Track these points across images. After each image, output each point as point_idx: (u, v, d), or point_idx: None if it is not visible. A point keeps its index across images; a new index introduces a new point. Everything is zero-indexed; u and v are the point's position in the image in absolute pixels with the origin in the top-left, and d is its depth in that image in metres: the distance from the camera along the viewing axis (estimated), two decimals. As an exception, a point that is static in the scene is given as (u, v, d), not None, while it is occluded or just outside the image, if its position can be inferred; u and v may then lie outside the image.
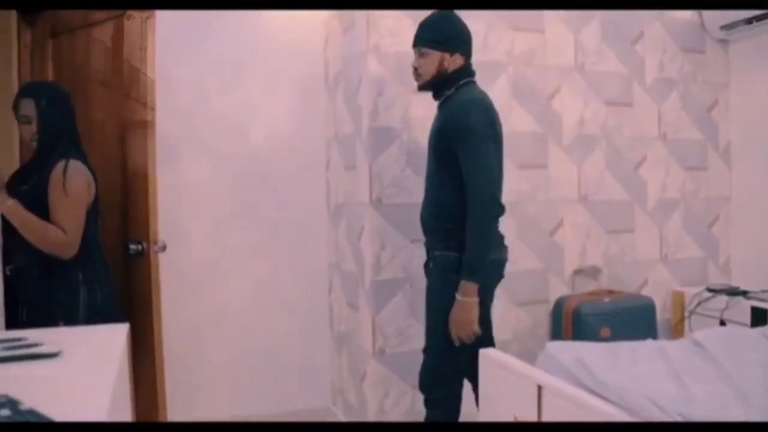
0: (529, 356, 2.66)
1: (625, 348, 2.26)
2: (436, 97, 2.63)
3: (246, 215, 3.71)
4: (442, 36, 2.53)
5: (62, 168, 2.30)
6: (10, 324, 2.32)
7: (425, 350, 2.62)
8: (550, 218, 3.56)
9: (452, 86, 2.54)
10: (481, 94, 2.54)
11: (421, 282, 3.22)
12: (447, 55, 2.52)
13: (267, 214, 3.76)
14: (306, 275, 3.84)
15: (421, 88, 2.63)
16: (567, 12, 3.57)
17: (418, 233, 3.22)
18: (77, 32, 3.06)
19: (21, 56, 3.21)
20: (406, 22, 3.20)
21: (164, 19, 2.81)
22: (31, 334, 1.60)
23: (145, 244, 2.70)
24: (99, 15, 2.93)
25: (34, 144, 2.39)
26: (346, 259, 3.51)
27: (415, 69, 2.60)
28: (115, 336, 1.69)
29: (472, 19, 3.31)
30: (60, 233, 2.27)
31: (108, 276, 2.49)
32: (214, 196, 3.65)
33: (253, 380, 3.71)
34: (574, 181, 3.61)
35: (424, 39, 2.56)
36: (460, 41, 2.55)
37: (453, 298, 2.40)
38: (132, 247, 2.69)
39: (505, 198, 3.36)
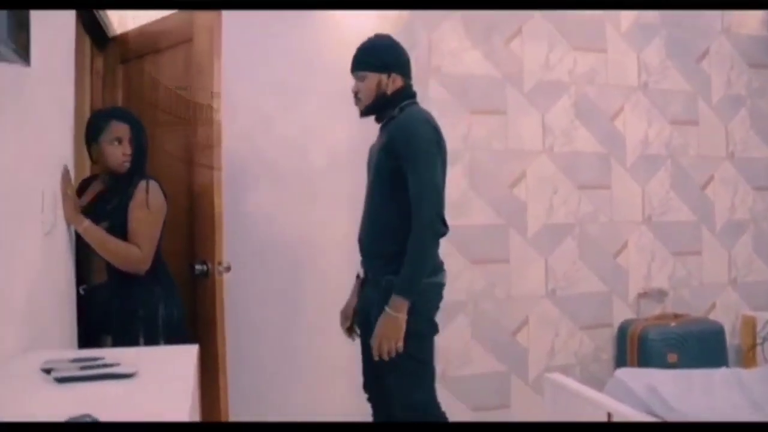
0: (593, 382, 2.61)
1: (698, 376, 2.18)
2: (378, 119, 2.57)
3: (309, 235, 3.73)
4: (378, 58, 2.50)
5: (145, 186, 2.37)
6: (82, 342, 2.40)
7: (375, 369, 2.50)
8: (614, 240, 3.49)
9: (394, 107, 2.48)
10: (426, 114, 2.47)
11: (484, 304, 3.21)
12: (384, 77, 2.47)
13: (330, 233, 3.77)
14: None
15: (363, 112, 2.57)
16: (628, 30, 3.52)
17: (480, 255, 3.22)
18: (146, 57, 3.15)
19: (93, 82, 3.31)
20: (465, 44, 3.21)
21: (227, 41, 2.87)
22: (106, 354, 1.63)
23: (209, 265, 2.72)
24: (167, 41, 3.01)
25: (127, 165, 2.46)
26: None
27: (355, 94, 2.56)
28: (187, 356, 1.71)
29: (533, 39, 3.31)
30: (135, 250, 2.33)
31: (178, 293, 2.56)
32: (277, 215, 3.68)
33: (314, 402, 3.70)
34: (638, 201, 3.54)
35: (360, 63, 2.54)
36: (395, 62, 2.50)
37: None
38: (197, 267, 2.72)
39: (565, 219, 3.36)
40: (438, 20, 3.19)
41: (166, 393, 1.38)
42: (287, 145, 3.70)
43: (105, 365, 1.51)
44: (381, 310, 2.37)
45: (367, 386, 2.66)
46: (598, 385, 2.38)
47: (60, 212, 2.20)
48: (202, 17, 2.83)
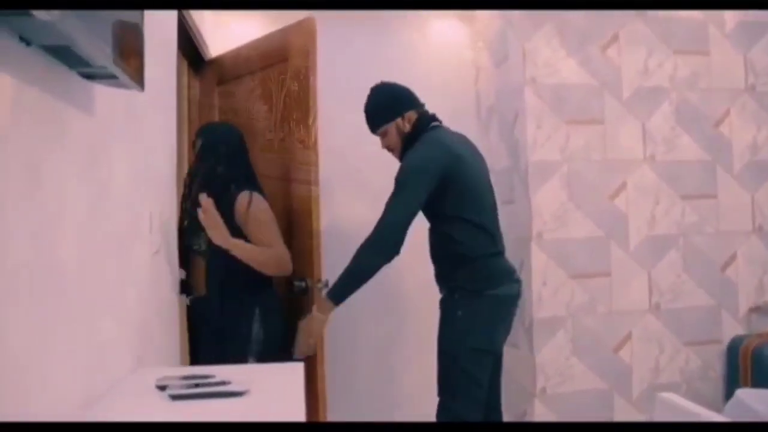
0: (701, 401, 2.46)
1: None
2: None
3: (403, 251, 3.72)
4: (383, 110, 2.57)
5: (247, 198, 2.46)
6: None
7: (440, 392, 2.48)
8: (722, 251, 3.31)
9: (417, 138, 2.52)
10: (442, 135, 2.52)
11: (585, 319, 3.12)
12: (399, 121, 2.54)
13: (420, 249, 3.75)
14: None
15: (401, 158, 2.58)
16: (733, 29, 3.35)
17: (580, 269, 3.13)
18: (240, 79, 3.22)
19: (191, 104, 3.42)
20: (560, 53, 3.14)
21: (321, 60, 2.90)
22: (217, 372, 1.66)
23: (309, 281, 2.76)
24: (262, 62, 3.07)
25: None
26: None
27: (387, 148, 2.63)
28: (294, 374, 1.72)
29: (631, 45, 3.21)
30: (281, 250, 2.48)
31: (281, 313, 2.60)
32: (369, 230, 3.69)
33: (405, 415, 3.68)
34: (748, 210, 3.35)
35: (373, 122, 2.62)
36: (399, 104, 2.56)
37: (455, 338, 2.38)
38: (296, 284, 2.75)
39: (668, 230, 3.22)
40: (531, 30, 3.13)
41: (278, 410, 1.39)
42: (380, 160, 3.70)
43: (217, 383, 1.54)
44: (440, 321, 2.49)
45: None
46: (707, 405, 2.25)
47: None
48: (296, 37, 2.88)
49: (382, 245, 2.44)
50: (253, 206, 2.45)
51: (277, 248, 2.47)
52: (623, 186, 3.20)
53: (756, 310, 3.34)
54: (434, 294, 3.68)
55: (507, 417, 3.38)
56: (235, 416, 1.33)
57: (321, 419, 2.80)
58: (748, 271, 3.34)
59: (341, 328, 3.54)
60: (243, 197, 2.46)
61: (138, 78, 1.45)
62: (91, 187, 1.45)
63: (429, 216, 2.53)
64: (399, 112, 2.55)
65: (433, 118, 2.60)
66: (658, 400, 2.17)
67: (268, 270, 2.46)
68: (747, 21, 3.38)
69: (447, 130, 2.59)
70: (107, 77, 1.35)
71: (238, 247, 2.37)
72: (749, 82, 3.36)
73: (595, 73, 3.19)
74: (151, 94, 2.02)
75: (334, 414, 3.07)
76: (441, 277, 2.57)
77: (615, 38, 3.22)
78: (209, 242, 2.39)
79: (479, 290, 2.38)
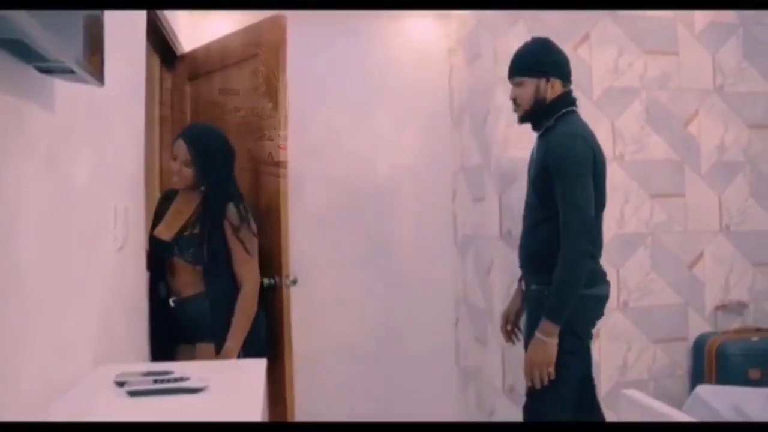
0: (668, 398, 2.50)
1: (785, 393, 2.07)
2: (535, 128, 2.53)
3: (373, 248, 3.74)
4: (535, 62, 2.46)
5: (236, 212, 2.55)
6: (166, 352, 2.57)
7: (527, 392, 2.46)
8: (689, 250, 3.35)
9: (552, 116, 2.43)
10: (581, 126, 2.43)
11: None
12: (543, 81, 2.43)
13: (394, 246, 3.77)
14: (432, 308, 3.81)
15: (522, 119, 2.52)
16: (703, 30, 3.39)
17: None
18: (212, 75, 3.21)
19: (162, 99, 3.40)
20: (532, 51, 3.15)
21: (294, 58, 2.90)
22: (176, 368, 1.65)
23: (277, 278, 2.76)
24: (233, 57, 3.06)
25: (183, 181, 2.60)
26: (474, 293, 3.45)
27: (514, 100, 2.51)
28: (256, 370, 1.72)
29: (601, 44, 3.23)
30: (248, 292, 2.57)
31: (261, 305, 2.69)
32: (343, 229, 3.70)
33: (378, 412, 3.70)
34: (715, 210, 3.39)
35: (517, 68, 2.49)
36: (554, 66, 2.46)
37: None
38: (265, 281, 2.75)
39: (637, 228, 3.25)
40: (503, 28, 3.14)
41: (235, 407, 1.39)
42: (353, 159, 3.72)
43: (176, 379, 1.53)
44: (530, 318, 2.42)
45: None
46: (674, 401, 2.29)
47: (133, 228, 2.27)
48: (268, 33, 2.87)
49: (584, 245, 2.29)
50: (245, 223, 2.56)
51: (246, 281, 2.57)
52: (592, 184, 3.22)
53: (722, 308, 3.38)
54: (403, 292, 3.72)
55: (477, 413, 3.41)
56: (191, 412, 1.33)
57: (288, 418, 2.80)
58: (714, 269, 3.38)
59: (311, 327, 3.54)
60: (232, 209, 2.56)
61: (98, 72, 1.43)
62: (52, 183, 1.44)
63: (542, 208, 2.42)
64: (547, 73, 2.44)
65: (572, 98, 2.50)
66: (623, 397, 2.20)
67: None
68: (716, 22, 3.42)
69: (581, 119, 2.50)
70: (65, 72, 1.33)
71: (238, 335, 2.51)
72: (717, 83, 3.40)
73: (566, 72, 3.20)
74: (118, 88, 2.02)
75: (302, 413, 3.07)
76: (533, 272, 2.50)
77: (586, 37, 3.25)
78: (209, 256, 2.51)
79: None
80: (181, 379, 1.53)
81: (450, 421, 3.76)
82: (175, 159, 2.60)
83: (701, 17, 3.41)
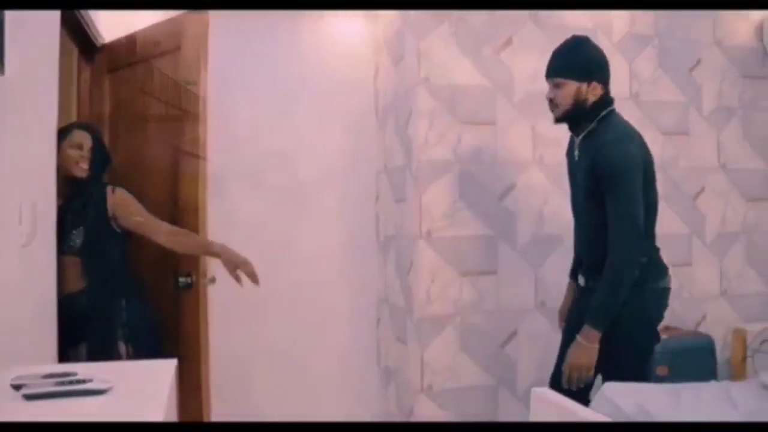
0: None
1: (687, 390, 2.15)
2: (574, 131, 2.51)
3: (295, 248, 3.71)
4: (578, 65, 2.38)
5: (112, 190, 2.58)
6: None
7: (551, 382, 2.49)
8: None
9: (593, 120, 2.39)
10: (626, 127, 2.39)
11: (472, 317, 3.18)
12: (584, 86, 2.36)
13: (316, 246, 3.75)
14: (354, 308, 3.81)
15: (558, 119, 2.47)
16: (620, 40, 3.50)
17: (468, 266, 3.19)
18: (133, 67, 3.13)
19: (80, 91, 3.29)
20: (455, 54, 3.19)
21: (217, 53, 2.85)
22: (81, 369, 1.60)
23: (194, 277, 2.71)
24: (154, 50, 2.99)
25: (84, 168, 2.55)
26: (395, 293, 3.47)
27: (550, 100, 2.45)
28: (163, 371, 1.67)
29: (524, 49, 3.30)
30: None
31: (141, 304, 2.63)
32: (264, 228, 3.66)
33: (299, 414, 3.67)
34: (630, 213, 3.51)
35: (558, 69, 2.41)
36: (597, 69, 2.39)
37: (621, 335, 2.29)
38: (181, 279, 2.70)
39: (555, 230, 3.33)
40: (427, 29, 3.17)
41: (136, 410, 1.35)
42: (276, 158, 3.68)
43: (78, 381, 1.48)
44: (582, 314, 2.36)
45: (554, 385, 2.50)
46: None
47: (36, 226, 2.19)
48: (189, 26, 2.82)
49: (631, 255, 2.26)
50: (119, 193, 2.57)
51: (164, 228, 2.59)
52: (512, 186, 3.29)
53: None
54: (325, 292, 3.70)
55: (397, 413, 3.43)
56: (88, 415, 1.29)
57: (205, 418, 2.76)
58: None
59: (231, 327, 3.49)
60: (111, 192, 2.58)
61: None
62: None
63: (596, 211, 2.36)
64: (591, 77, 2.36)
65: (613, 101, 2.44)
66: (533, 395, 2.25)
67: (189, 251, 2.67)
68: (633, 32, 3.54)
69: (622, 117, 2.45)
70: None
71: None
72: (633, 91, 3.52)
73: (488, 75, 3.26)
74: (27, 78, 1.93)
75: (220, 414, 3.02)
76: (594, 272, 2.42)
77: (509, 42, 3.31)
78: (86, 231, 2.46)
79: (642, 282, 2.30)
80: (83, 381, 1.47)
81: (370, 419, 3.78)
82: (80, 148, 2.55)
83: (620, 27, 3.53)
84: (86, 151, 2.56)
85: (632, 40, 3.54)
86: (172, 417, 1.66)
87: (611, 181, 2.26)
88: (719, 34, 3.75)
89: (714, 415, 1.92)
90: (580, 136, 2.47)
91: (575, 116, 2.42)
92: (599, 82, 2.37)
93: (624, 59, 3.50)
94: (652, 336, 2.42)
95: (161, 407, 1.36)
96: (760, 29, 3.84)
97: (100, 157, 2.60)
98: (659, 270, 2.43)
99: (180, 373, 2.64)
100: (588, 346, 2.27)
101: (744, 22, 3.81)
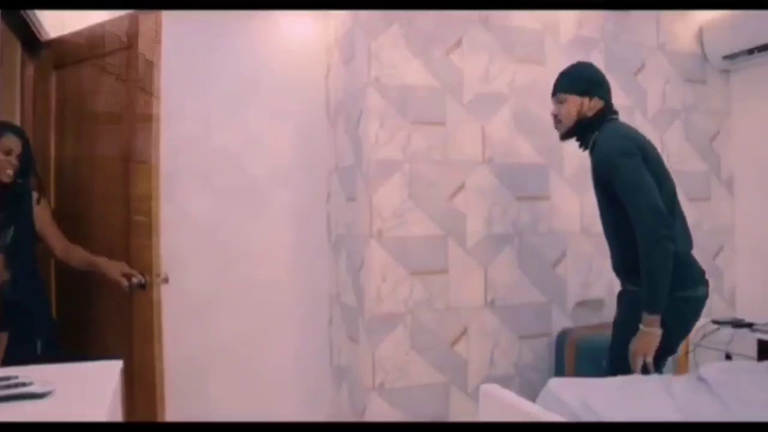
0: (533, 391, 2.63)
1: (631, 383, 2.21)
2: (582, 145, 2.66)
3: (246, 247, 3.70)
4: (579, 81, 2.60)
5: (37, 197, 2.66)
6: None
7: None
8: (553, 250, 3.53)
9: (594, 130, 2.56)
10: (622, 128, 2.57)
11: (423, 315, 3.22)
12: (586, 100, 2.57)
13: (268, 246, 3.74)
14: (306, 307, 3.81)
15: (564, 135, 2.66)
16: (567, 43, 3.58)
17: (419, 266, 3.22)
18: (82, 64, 3.06)
19: (24, 88, 3.22)
20: (405, 55, 3.22)
21: (168, 52, 2.82)
22: (22, 372, 1.57)
23: (147, 277, 2.68)
24: (105, 46, 2.94)
25: (10, 173, 2.52)
26: (347, 292, 3.48)
27: (555, 116, 2.66)
28: (107, 373, 1.66)
29: (473, 51, 3.34)
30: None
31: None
32: (216, 228, 3.64)
33: (252, 414, 3.66)
34: (577, 212, 3.59)
35: (562, 85, 2.64)
36: (597, 86, 2.60)
37: (636, 330, 2.39)
38: (134, 279, 2.67)
39: (505, 229, 3.39)
40: (378, 30, 3.19)
41: (78, 412, 1.33)
42: (226, 157, 3.66)
43: (18, 384, 1.45)
44: (623, 318, 2.54)
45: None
46: (537, 394, 2.39)
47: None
48: (142, 23, 2.78)
49: (654, 227, 2.31)
50: (43, 206, 2.69)
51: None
52: (462, 186, 3.33)
53: (582, 304, 3.59)
54: (278, 291, 3.70)
55: (349, 412, 3.44)
56: (27, 420, 1.27)
57: (159, 419, 2.73)
58: (575, 268, 3.58)
59: (184, 327, 3.46)
60: (35, 198, 2.66)
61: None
62: None
63: (616, 216, 2.47)
64: (592, 93, 2.57)
65: (613, 111, 2.62)
66: (481, 392, 2.29)
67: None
68: (580, 36, 3.63)
69: (623, 123, 2.63)
70: None
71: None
72: (581, 93, 3.59)
73: (438, 76, 3.30)
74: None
75: (174, 414, 3.00)
76: (629, 275, 2.53)
77: (459, 43, 3.35)
78: (16, 230, 2.51)
79: (679, 289, 2.38)
80: (23, 385, 1.45)
81: (323, 419, 3.78)
82: (8, 153, 2.50)
83: (567, 30, 3.61)
84: (14, 158, 2.51)
85: (579, 44, 3.62)
86: (117, 419, 1.65)
87: (611, 175, 2.42)
88: (662, 38, 3.86)
89: (652, 407, 1.98)
90: (589, 149, 2.63)
91: (579, 130, 2.61)
92: (600, 97, 2.58)
93: (569, 62, 3.55)
94: (680, 341, 2.56)
95: (104, 409, 1.35)
96: (699, 35, 3.97)
97: (27, 164, 2.58)
98: (695, 277, 2.51)
99: (133, 374, 2.63)
100: (647, 330, 2.35)
101: (685, 27, 3.93)
